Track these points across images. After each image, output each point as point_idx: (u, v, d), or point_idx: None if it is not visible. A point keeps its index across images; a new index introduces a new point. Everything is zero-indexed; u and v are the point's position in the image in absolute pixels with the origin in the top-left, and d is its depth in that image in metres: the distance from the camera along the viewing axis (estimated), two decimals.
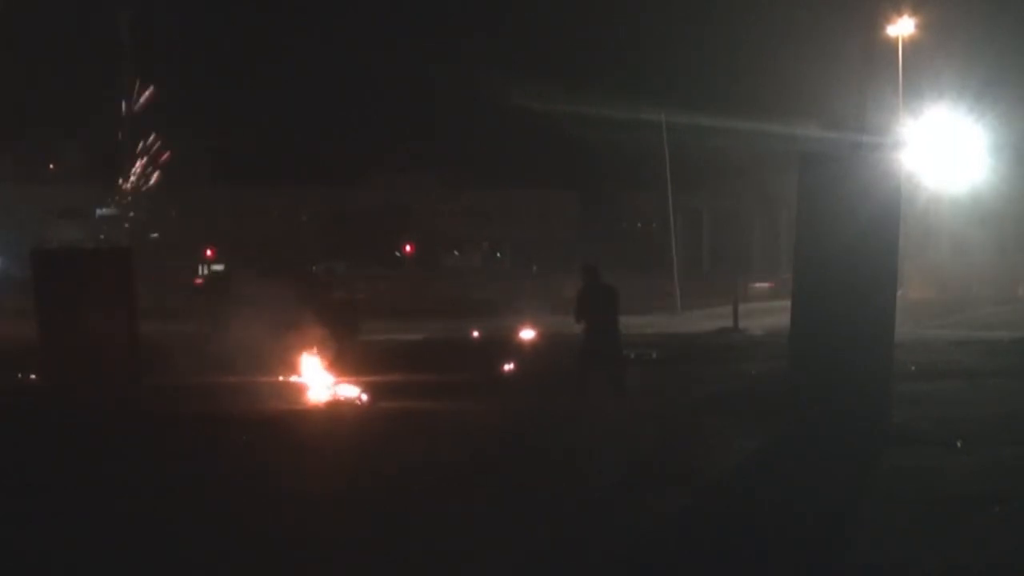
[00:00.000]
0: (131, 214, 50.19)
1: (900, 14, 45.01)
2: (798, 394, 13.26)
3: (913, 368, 18.32)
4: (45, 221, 57.99)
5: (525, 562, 8.07)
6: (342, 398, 15.84)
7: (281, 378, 17.42)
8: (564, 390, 15.36)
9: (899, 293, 16.68)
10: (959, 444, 11.92)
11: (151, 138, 49.61)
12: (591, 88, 53.95)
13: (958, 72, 44.74)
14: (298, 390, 16.38)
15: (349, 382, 16.43)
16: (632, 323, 33.26)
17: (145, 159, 50.94)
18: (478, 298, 43.21)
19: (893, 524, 8.86)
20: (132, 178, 48.85)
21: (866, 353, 12.78)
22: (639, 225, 70.99)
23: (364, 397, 15.79)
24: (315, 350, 17.28)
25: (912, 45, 44.98)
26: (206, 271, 60.94)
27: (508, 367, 20.21)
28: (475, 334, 27.96)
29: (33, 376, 17.24)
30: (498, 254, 69.73)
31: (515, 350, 22.52)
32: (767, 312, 34.42)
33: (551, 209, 68.66)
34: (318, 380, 16.32)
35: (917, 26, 45.02)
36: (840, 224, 12.80)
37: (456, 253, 67.90)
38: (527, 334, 26.35)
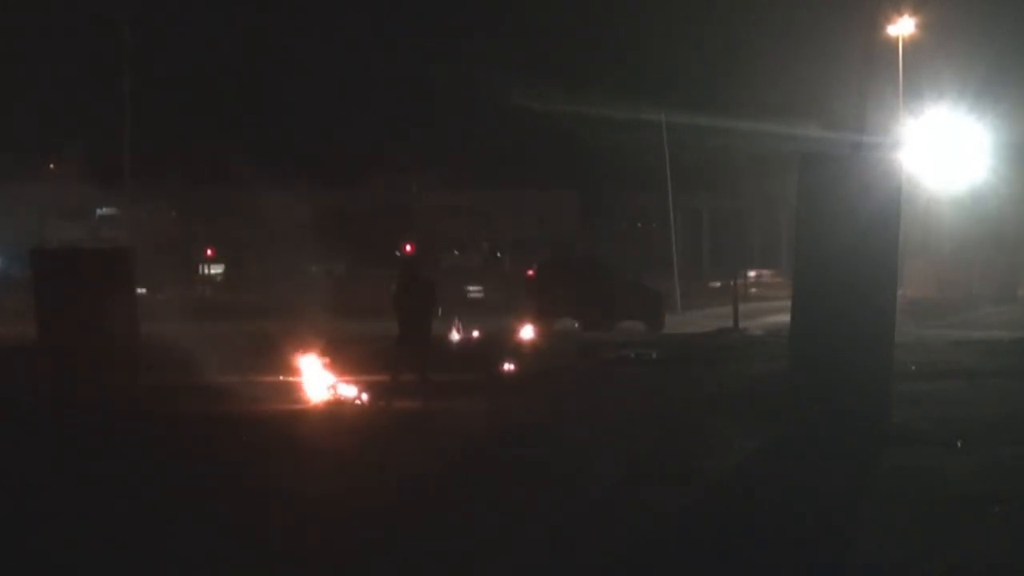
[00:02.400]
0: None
1: (900, 14, 45.01)
2: (798, 394, 13.26)
3: (913, 368, 18.32)
4: (45, 221, 57.98)
5: (525, 562, 8.07)
6: (342, 398, 15.85)
7: (281, 378, 17.45)
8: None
9: (899, 293, 16.69)
10: (959, 444, 11.93)
11: None
12: (591, 88, 53.92)
13: (958, 72, 44.74)
14: (298, 390, 16.38)
15: (348, 382, 16.43)
16: (632, 323, 33.37)
17: None
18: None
19: (893, 524, 8.86)
20: None
21: (866, 353, 12.78)
22: (639, 225, 70.96)
23: (364, 397, 15.80)
24: None
25: (912, 45, 44.99)
26: (208, 270, 60.96)
27: (508, 367, 20.20)
28: (475, 334, 27.96)
29: (32, 376, 17.23)
30: (498, 254, 69.65)
31: (515, 350, 22.52)
32: (767, 312, 34.46)
33: (551, 209, 68.58)
34: (318, 380, 16.30)
35: (917, 26, 45.02)
36: (840, 224, 12.80)
37: (456, 253, 67.88)
38: (526, 334, 26.34)
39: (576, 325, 31.53)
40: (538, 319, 28.82)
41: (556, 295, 31.29)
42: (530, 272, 34.20)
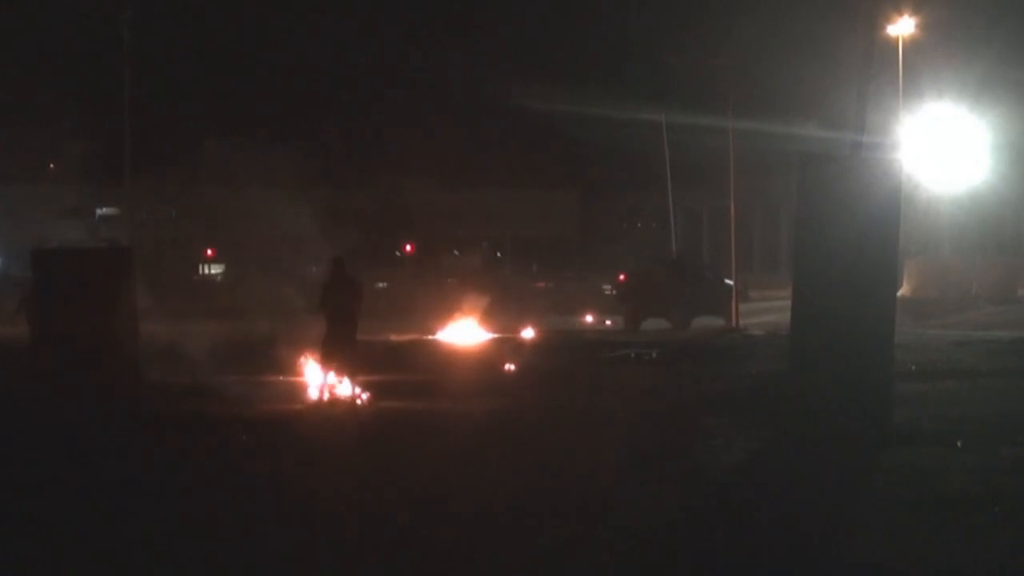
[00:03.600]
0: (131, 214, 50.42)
1: (900, 14, 44.95)
2: (798, 394, 13.26)
3: (913, 368, 18.32)
4: (45, 221, 57.89)
5: (526, 562, 8.07)
6: (342, 397, 15.85)
7: (281, 378, 17.45)
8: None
9: (899, 293, 16.69)
10: (959, 444, 11.93)
11: None
12: (591, 88, 53.88)
13: (958, 72, 44.73)
14: (298, 390, 16.38)
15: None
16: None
17: None
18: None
19: (893, 524, 8.86)
20: None
21: (866, 353, 12.78)
22: (639, 225, 70.93)
23: (364, 397, 15.80)
24: None
25: (912, 45, 44.96)
26: (208, 269, 60.94)
27: (509, 367, 20.22)
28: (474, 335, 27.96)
29: (32, 376, 17.21)
30: (498, 254, 69.67)
31: (515, 350, 22.53)
32: (767, 312, 34.50)
33: (551, 209, 68.52)
34: (318, 380, 16.30)
35: (917, 26, 44.99)
36: (840, 224, 12.80)
37: (456, 253, 67.88)
38: (527, 334, 26.35)
39: (666, 323, 33.41)
40: (630, 319, 32.84)
41: (644, 297, 33.97)
42: (621, 276, 36.62)
